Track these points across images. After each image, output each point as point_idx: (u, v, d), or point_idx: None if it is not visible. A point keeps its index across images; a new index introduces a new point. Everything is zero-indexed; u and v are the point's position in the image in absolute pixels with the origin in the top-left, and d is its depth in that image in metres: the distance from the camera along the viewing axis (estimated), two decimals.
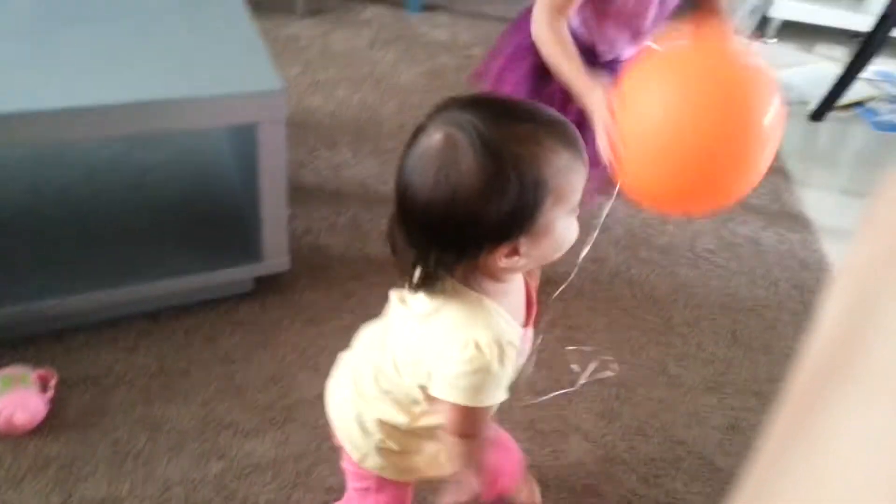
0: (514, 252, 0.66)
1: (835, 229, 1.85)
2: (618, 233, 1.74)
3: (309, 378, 1.30)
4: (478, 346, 0.67)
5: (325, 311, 1.43)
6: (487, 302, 0.70)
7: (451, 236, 0.65)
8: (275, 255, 1.39)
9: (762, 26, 2.72)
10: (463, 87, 2.17)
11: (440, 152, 0.63)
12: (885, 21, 2.08)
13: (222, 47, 1.29)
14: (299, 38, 2.32)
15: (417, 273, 0.69)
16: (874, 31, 2.12)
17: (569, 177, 0.65)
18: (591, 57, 1.16)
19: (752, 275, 1.70)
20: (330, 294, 1.47)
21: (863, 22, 2.46)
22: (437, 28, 2.48)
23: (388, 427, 0.80)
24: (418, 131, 0.65)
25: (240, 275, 1.40)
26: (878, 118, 2.34)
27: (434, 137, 0.63)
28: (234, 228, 1.46)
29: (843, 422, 0.20)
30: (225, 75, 1.21)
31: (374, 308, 0.82)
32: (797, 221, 1.87)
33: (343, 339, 0.87)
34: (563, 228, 0.67)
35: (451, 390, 0.69)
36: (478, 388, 0.69)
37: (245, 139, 1.37)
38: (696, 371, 1.44)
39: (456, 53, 2.35)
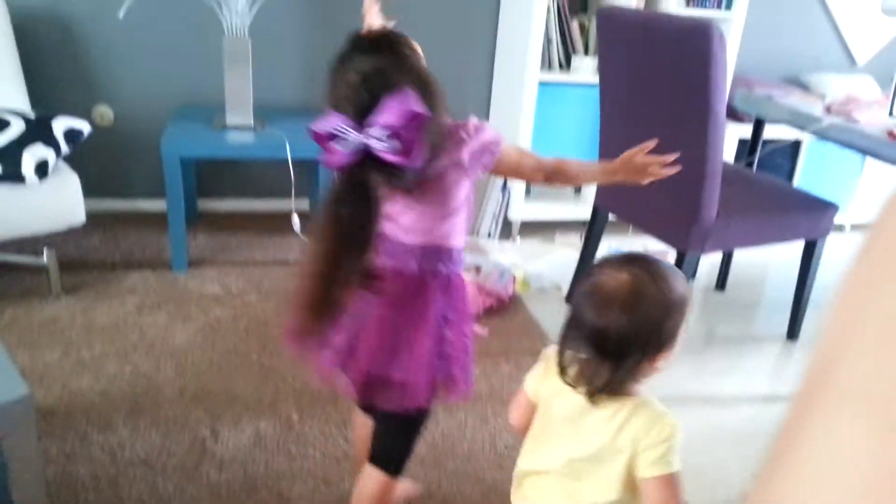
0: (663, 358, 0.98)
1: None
2: (419, 450, 1.75)
3: None
4: (672, 424, 0.96)
5: None
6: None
7: (646, 346, 0.95)
8: None
9: (506, 228, 3.07)
10: (241, 335, 2.16)
11: (632, 286, 0.95)
12: (597, 211, 2.45)
13: None
14: (58, 319, 2.19)
15: (603, 381, 0.96)
16: (592, 219, 2.48)
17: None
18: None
19: None
20: None
21: (586, 211, 2.88)
22: (206, 283, 2.48)
23: None
24: (592, 274, 0.99)
25: None
26: None
27: (619, 278, 0.96)
28: None
29: (822, 430, 0.21)
30: None
31: None
32: None
33: None
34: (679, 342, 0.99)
35: (665, 465, 0.95)
36: (676, 453, 0.96)
37: None
38: None
39: (230, 304, 2.35)
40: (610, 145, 2.30)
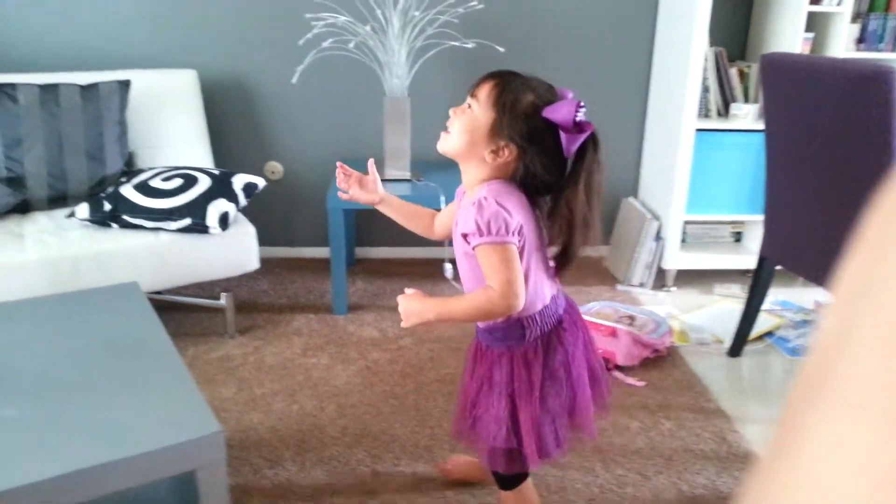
0: None
1: None
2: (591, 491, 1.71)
3: None
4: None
5: None
6: None
7: None
8: None
9: (660, 278, 2.98)
10: (398, 379, 2.23)
11: None
12: (763, 261, 2.33)
13: (153, 402, 1.30)
14: (233, 357, 2.37)
15: None
16: (758, 270, 2.35)
17: None
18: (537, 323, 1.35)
19: None
20: None
21: (747, 261, 2.74)
22: (364, 326, 2.59)
23: None
24: None
25: None
26: (789, 344, 2.50)
27: None
28: None
29: (821, 428, 0.21)
30: (158, 428, 1.21)
31: None
32: (748, 460, 1.90)
33: None
34: None
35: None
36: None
37: (186, 484, 1.34)
38: None
39: (386, 347, 2.44)
40: (778, 193, 2.19)
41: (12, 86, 2.42)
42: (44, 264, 2.10)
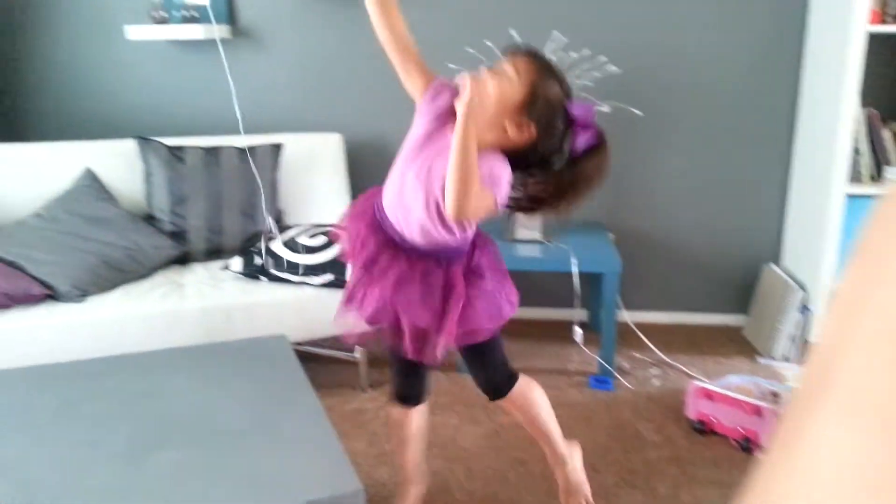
0: None
1: None
2: None
3: None
4: None
5: None
6: None
7: None
8: None
9: (805, 351, 2.80)
10: (525, 445, 2.20)
11: None
12: None
13: (299, 455, 1.36)
14: (364, 412, 2.43)
15: None
16: None
17: None
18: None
19: None
20: None
21: None
22: None
23: None
24: None
25: None
26: None
27: None
28: None
29: (820, 429, 0.21)
30: (304, 482, 1.26)
31: None
32: None
33: None
34: None
35: None
36: None
37: None
38: None
39: None
40: None
41: (181, 148, 2.67)
42: (201, 313, 2.26)
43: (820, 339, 0.25)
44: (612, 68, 2.73)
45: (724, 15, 2.87)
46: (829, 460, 0.21)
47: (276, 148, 2.75)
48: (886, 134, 2.69)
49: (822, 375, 0.23)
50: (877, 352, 0.21)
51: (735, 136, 2.96)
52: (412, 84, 1.43)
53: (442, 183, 1.31)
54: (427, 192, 1.38)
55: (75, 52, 3.07)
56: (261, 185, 2.53)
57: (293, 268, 2.39)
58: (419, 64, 1.43)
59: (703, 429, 2.26)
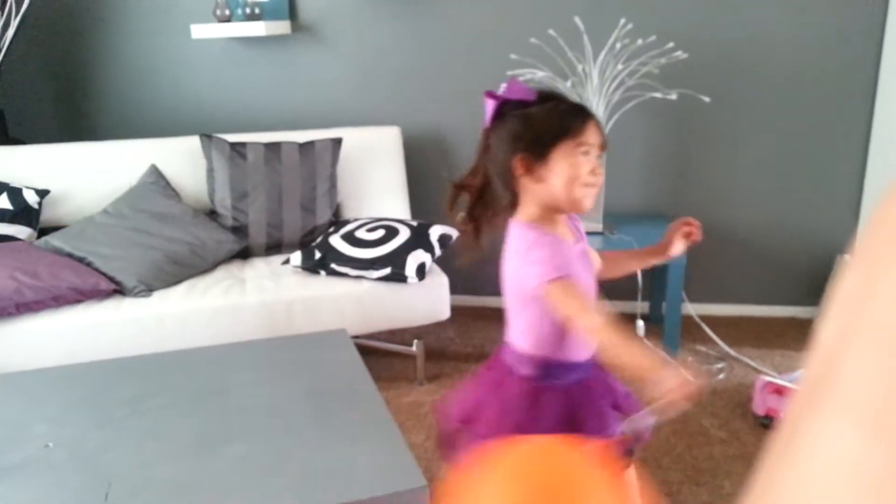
0: None
1: None
2: None
3: None
4: None
5: None
6: None
7: None
8: None
9: None
10: None
11: None
12: None
13: (363, 450, 1.36)
14: (421, 405, 2.43)
15: None
16: None
17: None
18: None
19: None
20: None
21: None
22: None
23: None
24: None
25: None
26: None
27: None
28: None
29: (819, 433, 0.21)
30: (368, 477, 1.26)
31: None
32: None
33: None
34: None
35: None
36: None
37: None
38: None
39: None
40: None
41: (243, 144, 2.71)
42: (262, 307, 2.29)
43: (820, 339, 0.25)
44: (680, 54, 2.64)
45: None
46: (828, 461, 0.21)
47: (336, 142, 2.76)
48: None
49: (822, 376, 0.23)
50: (876, 353, 0.21)
51: (809, 122, 2.83)
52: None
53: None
54: None
55: (142, 53, 3.15)
56: (321, 180, 2.55)
57: (352, 262, 2.40)
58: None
59: (771, 424, 2.18)
